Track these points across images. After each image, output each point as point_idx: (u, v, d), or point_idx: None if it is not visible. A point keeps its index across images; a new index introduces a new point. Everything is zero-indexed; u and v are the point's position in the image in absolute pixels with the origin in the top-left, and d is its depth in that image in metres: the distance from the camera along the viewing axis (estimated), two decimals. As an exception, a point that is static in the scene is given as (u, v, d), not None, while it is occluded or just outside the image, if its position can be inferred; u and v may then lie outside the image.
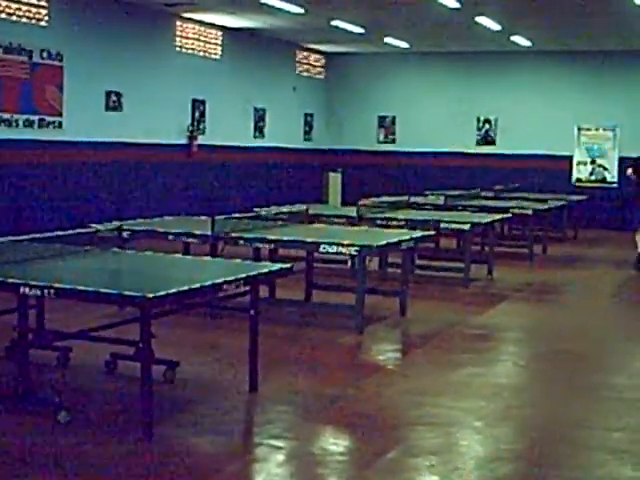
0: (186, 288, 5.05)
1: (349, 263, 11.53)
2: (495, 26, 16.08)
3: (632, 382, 7.14)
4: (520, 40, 17.97)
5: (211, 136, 16.84)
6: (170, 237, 8.51)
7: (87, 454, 4.98)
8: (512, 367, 7.56)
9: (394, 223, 10.85)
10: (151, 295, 4.76)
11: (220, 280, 5.35)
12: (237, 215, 9.11)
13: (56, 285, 4.97)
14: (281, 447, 5.23)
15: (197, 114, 16.60)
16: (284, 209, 10.88)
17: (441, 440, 5.46)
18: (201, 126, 16.67)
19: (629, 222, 16.65)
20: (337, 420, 5.82)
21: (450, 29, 17.09)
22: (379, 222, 11.00)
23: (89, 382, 6.48)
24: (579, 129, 19.70)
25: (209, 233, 8.19)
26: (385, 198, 12.98)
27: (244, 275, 5.60)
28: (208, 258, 7.29)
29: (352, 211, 11.47)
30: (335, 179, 21.40)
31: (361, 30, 17.18)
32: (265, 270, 5.97)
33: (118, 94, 14.46)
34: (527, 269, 13.23)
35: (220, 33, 17.29)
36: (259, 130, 18.69)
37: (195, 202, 15.95)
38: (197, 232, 8.45)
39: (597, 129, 19.57)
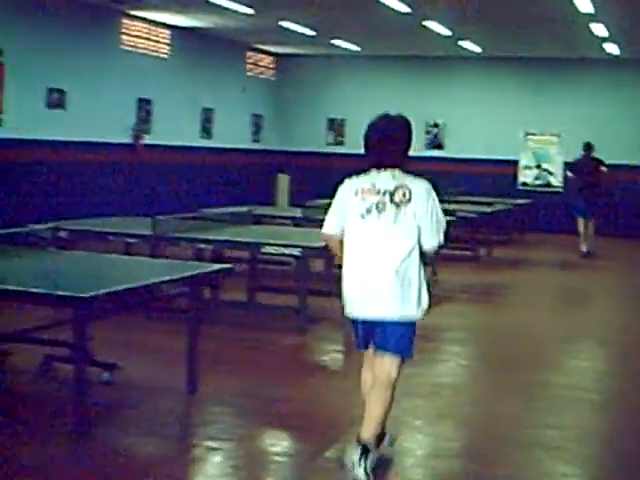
0: (122, 288, 4.99)
1: (294, 264, 11.61)
2: (444, 31, 16.17)
3: (568, 380, 7.25)
4: (469, 45, 18.08)
5: (157, 136, 16.67)
6: (110, 237, 8.41)
7: (23, 456, 4.92)
8: (452, 367, 7.61)
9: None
10: (85, 295, 4.70)
11: (157, 280, 5.30)
12: (179, 215, 9.03)
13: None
14: (219, 448, 5.21)
15: (143, 113, 16.44)
16: (227, 210, 10.82)
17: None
18: (147, 126, 16.52)
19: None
20: (276, 420, 5.81)
21: (400, 33, 17.13)
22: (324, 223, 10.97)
23: (25, 385, 6.38)
24: (525, 134, 19.88)
25: (150, 233, 8.12)
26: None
27: (183, 275, 5.56)
28: (148, 259, 7.23)
29: (297, 212, 11.47)
30: (284, 180, 21.37)
31: (311, 32, 17.17)
32: (205, 271, 5.94)
33: (61, 91, 14.26)
34: (472, 271, 13.34)
35: (168, 32, 17.15)
36: (206, 130, 18.59)
37: (140, 202, 15.77)
38: (137, 232, 8.37)
39: (543, 134, 19.78)
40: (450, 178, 19.57)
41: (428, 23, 15.43)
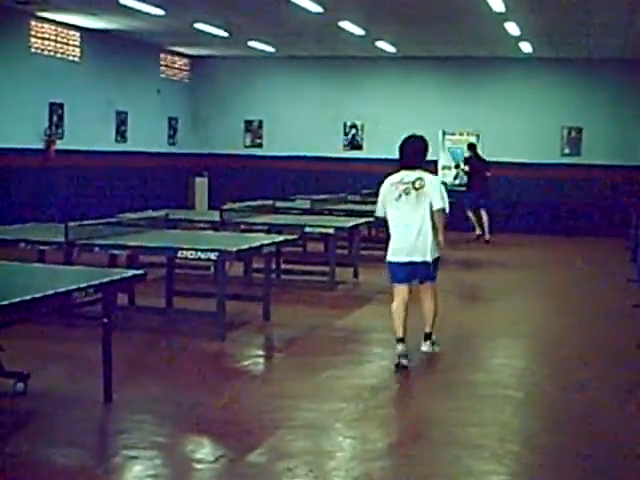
0: (29, 297, 4.82)
1: (212, 269, 11.50)
2: (359, 31, 16.21)
3: (489, 378, 7.28)
4: (385, 46, 18.16)
5: (70, 140, 16.33)
6: (22, 245, 8.17)
7: None
8: (374, 368, 7.57)
9: (258, 227, 10.77)
10: (-7, 304, 4.53)
11: (68, 288, 5.14)
12: (93, 221, 8.82)
13: None
14: (137, 456, 5.08)
15: (55, 118, 16.09)
16: (143, 214, 10.64)
17: (301, 443, 5.43)
18: (59, 130, 16.17)
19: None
20: (195, 427, 5.70)
21: (315, 34, 17.14)
22: (243, 227, 10.91)
23: None
24: (443, 134, 20.05)
25: (63, 240, 7.92)
26: (250, 202, 12.88)
27: (94, 283, 5.41)
28: (60, 266, 7.04)
29: (215, 215, 11.35)
30: (201, 184, 21.17)
31: (225, 34, 17.05)
32: (118, 277, 5.79)
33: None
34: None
35: (78, 34, 16.80)
36: (121, 134, 18.30)
37: (53, 209, 15.42)
38: (50, 239, 8.15)
39: (461, 134, 19.98)
40: (369, 179, 19.65)
41: (342, 23, 15.44)
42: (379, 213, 7.78)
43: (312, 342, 8.36)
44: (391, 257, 7.56)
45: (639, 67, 18.70)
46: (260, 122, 21.35)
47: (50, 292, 5.01)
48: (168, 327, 8.71)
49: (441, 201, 7.36)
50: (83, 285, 5.30)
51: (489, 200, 17.62)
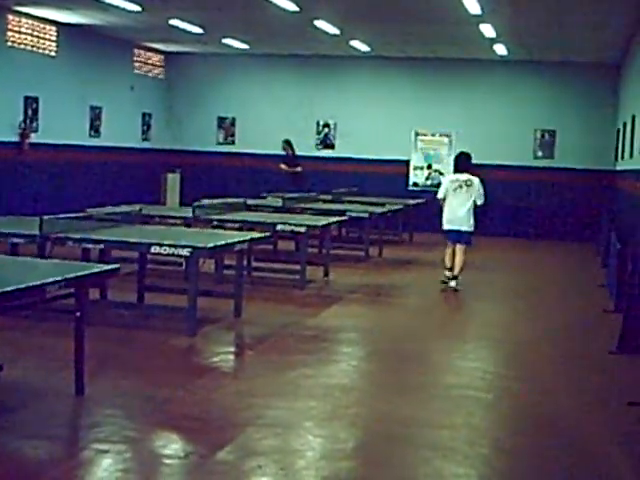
0: (2, 291, 4.83)
1: (184, 265, 11.51)
2: (334, 30, 16.25)
3: (458, 380, 7.34)
4: (359, 45, 18.21)
5: (45, 134, 16.29)
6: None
7: None
8: (344, 367, 7.63)
9: (230, 225, 10.80)
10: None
11: (41, 282, 5.15)
12: (66, 215, 8.82)
13: None
14: (107, 450, 5.10)
15: (30, 111, 16.02)
16: (116, 209, 10.64)
17: (270, 441, 5.46)
18: (34, 124, 16.11)
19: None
20: (165, 422, 5.73)
21: (289, 32, 17.17)
22: (215, 223, 10.94)
23: None
24: (416, 134, 20.15)
25: (36, 233, 7.91)
26: (221, 200, 12.91)
27: (69, 276, 5.43)
28: (34, 259, 7.04)
29: (188, 212, 11.37)
30: (174, 180, 21.14)
31: (200, 30, 17.04)
32: (91, 271, 5.81)
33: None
34: (363, 271, 13.42)
35: (55, 29, 16.75)
36: (95, 129, 18.24)
37: (27, 202, 15.36)
38: (24, 232, 8.14)
39: (433, 134, 20.09)
40: (341, 178, 19.74)
41: (318, 22, 15.49)
42: (441, 196, 11.96)
43: (282, 340, 8.39)
44: (447, 226, 11.94)
45: (613, 71, 18.89)
46: (233, 119, 21.34)
47: (25, 285, 5.01)
48: (139, 322, 8.71)
49: (480, 197, 11.74)
50: (58, 278, 5.30)
51: None
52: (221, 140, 21.44)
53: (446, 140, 19.94)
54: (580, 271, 14.75)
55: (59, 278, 5.31)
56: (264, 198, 15.90)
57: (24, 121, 15.82)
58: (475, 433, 5.86)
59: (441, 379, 7.41)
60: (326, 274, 12.09)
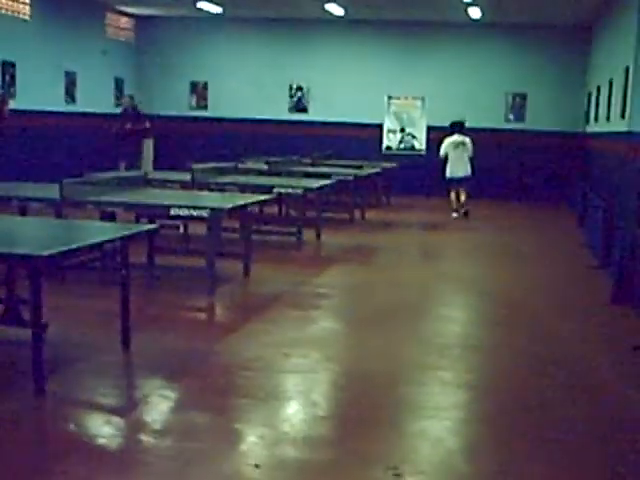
0: (75, 246, 5.08)
1: (181, 228, 11.73)
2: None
3: (461, 330, 7.76)
4: (333, 8, 18.31)
5: (22, 100, 16.27)
6: (15, 202, 8.33)
7: None
8: (355, 319, 7.97)
9: (229, 187, 11.01)
10: (45, 254, 4.78)
11: (105, 239, 5.41)
12: (83, 179, 9.01)
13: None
14: (164, 396, 5.50)
15: (8, 77, 15.99)
16: (120, 174, 10.81)
17: (298, 385, 5.94)
18: (12, 89, 16.08)
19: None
20: (213, 371, 6.04)
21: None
22: (213, 187, 11.13)
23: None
24: (389, 98, 20.42)
25: (57, 197, 8.10)
26: (216, 164, 13.11)
27: (126, 234, 5.68)
28: (79, 220, 7.28)
29: (183, 175, 11.58)
30: (147, 145, 21.17)
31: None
32: (138, 230, 6.08)
33: None
34: (351, 233, 13.74)
35: (28, -9, 16.73)
36: (70, 95, 18.25)
37: (6, 168, 15.34)
38: (47, 196, 8.33)
39: (406, 98, 20.37)
40: (315, 142, 19.97)
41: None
42: (442, 154, 15.98)
43: (296, 297, 8.72)
44: (450, 175, 15.94)
45: (585, 34, 19.24)
46: (205, 84, 21.42)
47: (92, 242, 5.27)
48: (153, 283, 8.96)
49: (471, 151, 15.85)
50: (118, 236, 5.55)
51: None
52: (194, 105, 21.52)
53: (419, 103, 20.23)
54: (557, 231, 15.18)
55: (120, 235, 5.56)
56: (242, 162, 16.05)
57: (1, 87, 15.77)
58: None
59: (440, 328, 7.82)
60: (318, 236, 12.38)
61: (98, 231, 6.06)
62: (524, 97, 19.88)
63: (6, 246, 5.12)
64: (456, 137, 16.01)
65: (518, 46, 19.91)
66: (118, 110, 20.39)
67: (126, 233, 5.97)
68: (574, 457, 4.76)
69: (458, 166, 15.86)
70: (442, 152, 16.00)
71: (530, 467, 4.58)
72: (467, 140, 15.97)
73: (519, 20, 19.04)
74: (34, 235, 5.99)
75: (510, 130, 19.97)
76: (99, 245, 5.47)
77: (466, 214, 16.02)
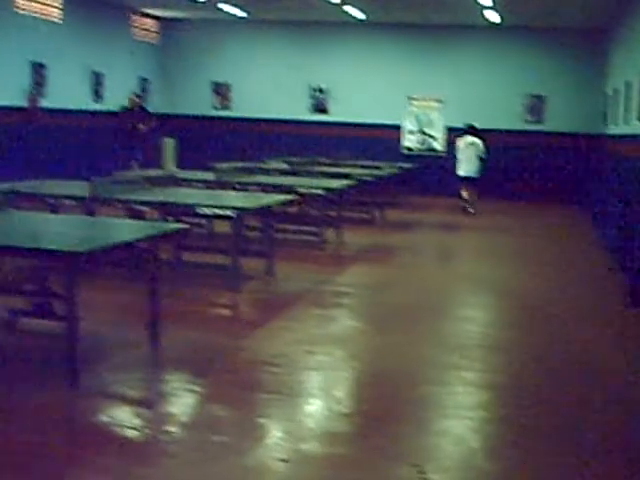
0: (111, 244, 5.29)
1: (205, 227, 11.92)
2: (333, -3, 16.58)
3: (477, 329, 7.92)
4: (353, 11, 18.49)
5: (52, 99, 16.58)
6: (47, 199, 8.56)
7: (16, 399, 5.27)
8: (379, 316, 8.15)
9: (252, 187, 11.19)
10: (82, 250, 4.99)
11: (138, 237, 5.61)
12: (112, 178, 9.24)
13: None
14: (189, 389, 5.72)
15: (37, 77, 16.29)
16: (147, 173, 11.03)
17: (322, 382, 6.11)
18: (42, 89, 16.39)
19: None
20: (239, 366, 6.24)
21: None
22: (237, 186, 11.31)
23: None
24: (408, 99, 20.56)
25: (88, 195, 8.33)
26: (239, 163, 13.32)
27: (159, 233, 5.89)
28: (112, 218, 7.51)
29: (207, 175, 11.78)
30: (170, 144, 21.43)
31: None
32: (169, 229, 6.27)
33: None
34: (372, 233, 13.91)
35: (60, -5, 17.06)
36: (98, 94, 18.53)
37: (34, 166, 15.63)
38: (77, 194, 8.56)
39: (426, 99, 20.51)
40: (334, 142, 20.15)
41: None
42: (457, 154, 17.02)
43: (319, 295, 8.90)
44: (460, 173, 16.87)
45: (602, 36, 19.23)
46: (228, 85, 21.64)
47: (126, 240, 5.47)
48: (178, 279, 9.15)
49: (483, 153, 16.76)
50: (152, 234, 5.76)
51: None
52: (216, 105, 21.75)
53: (438, 105, 20.37)
54: (575, 233, 15.23)
55: (154, 234, 5.77)
56: (264, 162, 16.23)
57: (32, 86, 16.07)
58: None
59: (460, 328, 7.97)
60: (339, 235, 12.54)
61: (130, 229, 6.28)
62: (542, 99, 19.94)
63: (42, 242, 5.33)
64: (468, 138, 16.86)
65: (536, 49, 19.93)
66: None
67: (159, 231, 6.17)
68: (593, 457, 4.88)
69: (466, 165, 16.77)
70: (456, 151, 17.12)
71: (550, 466, 4.70)
72: (477, 141, 16.76)
73: (537, 23, 19.11)
74: (68, 232, 6.21)
75: (528, 132, 20.03)
76: (134, 243, 5.65)
77: (473, 210, 16.74)
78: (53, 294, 6.29)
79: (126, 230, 6.23)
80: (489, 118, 19.84)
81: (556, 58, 19.86)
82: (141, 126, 17.66)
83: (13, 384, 5.54)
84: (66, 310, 5.27)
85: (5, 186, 8.10)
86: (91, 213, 8.60)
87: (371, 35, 20.66)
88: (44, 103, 16.33)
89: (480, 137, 16.91)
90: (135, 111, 17.84)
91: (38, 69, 16.31)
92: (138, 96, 18.25)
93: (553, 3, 16.35)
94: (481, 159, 16.86)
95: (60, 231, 6.22)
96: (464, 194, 16.98)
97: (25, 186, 8.93)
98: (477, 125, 17.30)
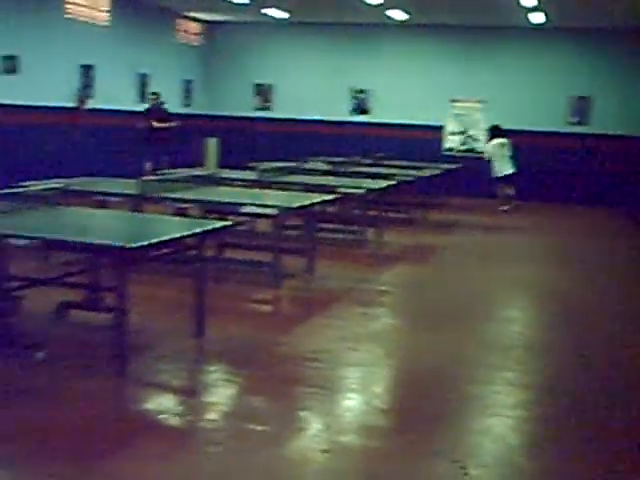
0: (158, 240, 5.46)
1: (245, 225, 12.06)
2: (377, 0, 16.65)
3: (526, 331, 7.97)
4: (397, 14, 18.58)
5: (99, 100, 16.92)
6: (95, 196, 8.79)
7: (69, 387, 5.47)
8: (418, 319, 8.24)
9: (295, 187, 11.33)
10: (132, 245, 5.16)
11: (186, 233, 5.78)
12: (160, 177, 9.44)
13: (46, 236, 5.33)
14: (230, 380, 5.94)
15: (85, 79, 16.66)
16: (192, 172, 11.21)
17: (362, 378, 6.25)
18: (89, 90, 16.75)
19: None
20: (279, 361, 6.38)
21: (331, 1, 17.59)
22: (279, 185, 11.46)
23: (47, 328, 6.78)
24: (451, 101, 20.59)
25: (135, 192, 8.53)
26: (280, 163, 13.46)
27: (206, 229, 6.06)
28: (159, 215, 7.72)
29: (250, 175, 11.94)
30: (212, 144, 21.69)
31: (245, 0, 17.54)
32: (217, 226, 6.43)
33: (14, 58, 14.52)
34: (411, 233, 13.98)
35: (108, 1, 17.36)
36: (143, 95, 18.82)
37: (81, 164, 15.96)
38: (126, 192, 8.76)
39: (468, 101, 20.52)
40: (375, 143, 20.25)
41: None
42: (488, 156, 17.53)
43: (361, 293, 9.02)
44: (498, 173, 17.48)
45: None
46: (270, 86, 21.83)
47: (175, 236, 5.65)
48: (221, 275, 9.31)
49: (510, 151, 17.34)
50: (198, 231, 5.93)
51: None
52: (258, 106, 21.95)
53: (480, 106, 20.38)
54: (621, 235, 15.15)
55: (201, 230, 5.94)
56: (305, 162, 16.33)
57: (80, 88, 16.43)
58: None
59: (501, 329, 8.04)
60: (380, 235, 12.62)
61: (177, 226, 6.45)
62: (588, 100, 19.83)
63: (93, 237, 5.51)
64: (495, 140, 17.62)
65: (581, 49, 19.82)
66: (187, 110, 20.96)
67: (205, 228, 6.33)
68: (632, 459, 4.93)
69: (502, 165, 17.44)
70: (487, 154, 17.77)
71: (587, 466, 4.76)
72: (505, 140, 17.52)
73: (583, 24, 19.01)
74: (118, 228, 6.40)
75: (573, 134, 19.93)
76: (182, 239, 5.84)
77: (505, 210, 17.48)
78: (104, 287, 6.47)
79: (173, 227, 6.40)
80: (533, 119, 19.80)
81: (602, 59, 19.70)
82: (155, 124, 16.95)
83: (64, 372, 5.73)
84: (116, 302, 5.44)
85: (56, 183, 8.30)
86: (138, 210, 8.79)
87: (413, 37, 20.71)
88: (92, 104, 16.66)
89: (505, 136, 17.63)
90: (153, 111, 17.30)
91: (86, 71, 16.67)
92: (158, 95, 17.52)
93: (602, 3, 16.27)
94: (511, 157, 17.54)
95: (110, 227, 6.42)
96: (503, 193, 17.60)
97: (75, 183, 9.13)
98: (500, 125, 17.91)
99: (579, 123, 19.89)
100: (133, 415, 5.21)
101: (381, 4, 17.12)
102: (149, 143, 17.07)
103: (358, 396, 5.78)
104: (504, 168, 17.53)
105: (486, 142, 18.47)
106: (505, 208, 17.56)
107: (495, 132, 17.85)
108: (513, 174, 17.56)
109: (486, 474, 4.56)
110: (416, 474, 4.53)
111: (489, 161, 17.65)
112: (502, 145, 17.54)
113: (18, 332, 6.43)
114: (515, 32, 19.99)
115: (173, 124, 17.29)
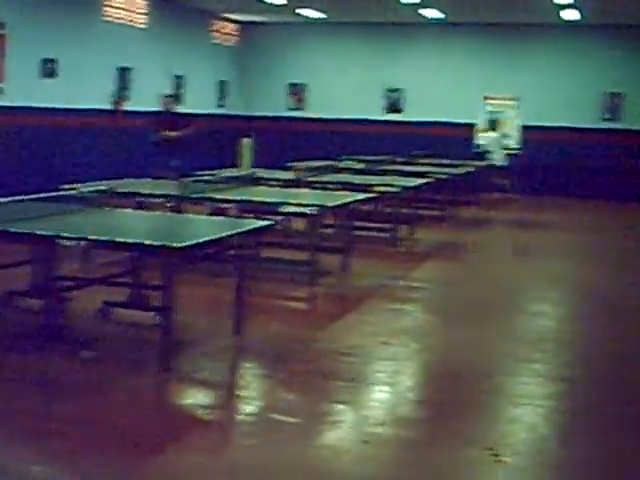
0: (204, 240, 5.74)
1: (281, 224, 12.29)
2: (415, -1, 16.90)
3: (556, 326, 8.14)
4: (432, 12, 18.75)
5: (136, 102, 17.23)
6: (138, 198, 9.08)
7: (114, 383, 5.72)
8: (451, 314, 8.45)
9: (331, 186, 11.56)
10: (180, 245, 5.45)
11: (230, 233, 6.05)
12: (198, 178, 9.73)
13: (98, 237, 5.63)
14: (266, 375, 6.20)
15: (123, 81, 16.98)
16: (229, 173, 11.47)
17: (396, 372, 6.44)
18: (126, 92, 17.07)
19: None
20: (316, 356, 6.60)
21: (363, 0, 17.80)
22: (314, 185, 11.67)
23: (93, 326, 7.04)
24: (484, 98, 20.72)
25: (176, 193, 8.82)
26: (315, 163, 13.69)
27: (249, 229, 6.34)
28: (198, 216, 8.01)
29: (287, 175, 12.18)
30: (247, 144, 21.97)
31: (282, 1, 17.78)
32: (257, 226, 6.70)
33: (53, 61, 14.84)
34: (444, 230, 14.17)
35: (146, 3, 17.70)
36: (179, 97, 19.12)
37: (119, 165, 16.26)
38: (170, 193, 9.05)
39: (501, 98, 20.65)
40: (408, 141, 20.41)
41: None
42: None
43: (395, 290, 9.24)
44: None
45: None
46: (303, 85, 22.06)
47: (220, 236, 5.92)
48: (259, 274, 9.54)
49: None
50: (243, 230, 6.21)
51: None
52: (292, 106, 22.20)
53: (513, 103, 20.50)
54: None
55: (245, 230, 6.21)
56: (339, 161, 16.52)
57: (117, 90, 16.74)
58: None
59: (532, 323, 8.22)
60: (414, 233, 12.81)
61: (219, 226, 6.72)
62: (621, 97, 19.85)
63: (140, 238, 5.79)
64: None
65: (613, 46, 19.81)
66: (221, 111, 21.26)
67: (246, 228, 6.59)
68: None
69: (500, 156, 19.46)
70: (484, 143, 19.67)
71: (619, 455, 4.90)
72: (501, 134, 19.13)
73: (616, 21, 19.04)
74: (163, 228, 6.68)
75: (605, 130, 19.97)
76: (227, 239, 6.12)
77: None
78: (151, 286, 6.73)
79: (215, 227, 6.68)
80: (565, 116, 19.86)
81: (635, 55, 19.71)
82: (168, 133, 13.68)
83: (111, 368, 6.00)
84: (163, 301, 5.70)
85: (102, 185, 8.61)
86: (178, 211, 9.07)
87: (446, 35, 20.87)
88: (128, 106, 16.98)
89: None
90: (163, 117, 13.95)
91: (123, 73, 16.99)
92: (169, 97, 14.47)
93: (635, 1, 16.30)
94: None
95: (155, 227, 6.70)
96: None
97: (118, 185, 9.43)
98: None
99: (611, 119, 19.93)
100: (178, 410, 5.47)
101: (416, 3, 17.30)
102: (161, 150, 13.86)
103: (392, 389, 5.99)
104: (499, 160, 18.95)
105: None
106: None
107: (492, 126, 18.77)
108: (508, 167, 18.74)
109: (518, 461, 4.73)
110: (452, 461, 4.73)
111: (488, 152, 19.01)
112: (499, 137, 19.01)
113: (66, 331, 6.69)
114: (549, 29, 20.06)
115: (189, 130, 13.88)
